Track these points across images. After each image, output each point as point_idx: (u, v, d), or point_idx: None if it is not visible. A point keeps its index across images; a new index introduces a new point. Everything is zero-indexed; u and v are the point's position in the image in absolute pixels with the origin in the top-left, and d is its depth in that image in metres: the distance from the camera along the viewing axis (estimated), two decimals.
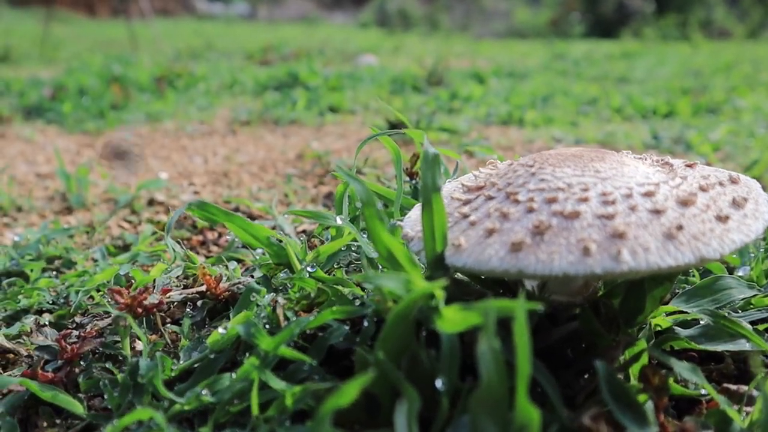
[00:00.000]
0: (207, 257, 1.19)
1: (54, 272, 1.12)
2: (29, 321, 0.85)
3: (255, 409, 0.60)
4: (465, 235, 0.61)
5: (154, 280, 0.83)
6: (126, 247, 1.28)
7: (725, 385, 0.65)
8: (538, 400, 0.57)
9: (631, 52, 7.17)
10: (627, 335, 0.63)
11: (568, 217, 0.58)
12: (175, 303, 0.79)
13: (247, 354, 0.67)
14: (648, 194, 0.60)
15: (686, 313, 0.74)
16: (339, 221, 0.72)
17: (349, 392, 0.45)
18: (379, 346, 0.54)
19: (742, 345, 0.67)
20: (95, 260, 1.18)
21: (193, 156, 2.31)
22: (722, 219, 0.58)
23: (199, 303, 0.87)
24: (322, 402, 0.46)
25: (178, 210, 0.69)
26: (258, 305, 0.72)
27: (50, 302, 0.96)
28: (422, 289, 0.53)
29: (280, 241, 0.79)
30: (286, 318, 0.69)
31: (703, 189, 0.63)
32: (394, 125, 2.51)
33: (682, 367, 0.61)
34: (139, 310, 0.70)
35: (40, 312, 0.95)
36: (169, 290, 0.74)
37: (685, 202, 0.59)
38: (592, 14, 12.83)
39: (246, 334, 0.63)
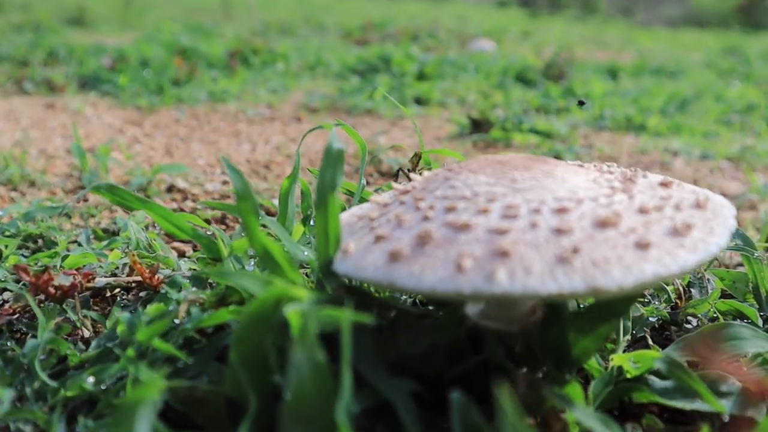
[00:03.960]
0: None
1: (30, 251, 1.26)
2: None
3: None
4: (357, 241, 0.67)
5: (85, 265, 0.94)
6: (118, 232, 1.40)
7: None
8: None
9: None
10: (529, 374, 0.66)
11: (458, 229, 0.62)
12: (100, 288, 0.89)
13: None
14: (560, 211, 0.63)
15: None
16: (265, 220, 0.79)
17: (152, 388, 0.52)
18: (232, 347, 0.61)
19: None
20: (79, 243, 1.31)
21: (242, 143, 2.46)
22: (643, 246, 0.60)
23: (143, 294, 0.97)
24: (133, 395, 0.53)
25: (81, 192, 0.78)
26: (173, 299, 0.80)
27: (13, 281, 1.09)
28: (276, 291, 0.59)
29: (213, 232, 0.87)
30: (189, 313, 0.76)
31: (643, 211, 0.65)
32: (478, 123, 2.55)
33: (592, 419, 0.63)
34: (52, 290, 0.80)
35: (3, 290, 1.08)
36: (90, 274, 0.84)
37: (603, 224, 0.62)
38: None
39: (128, 325, 0.72)
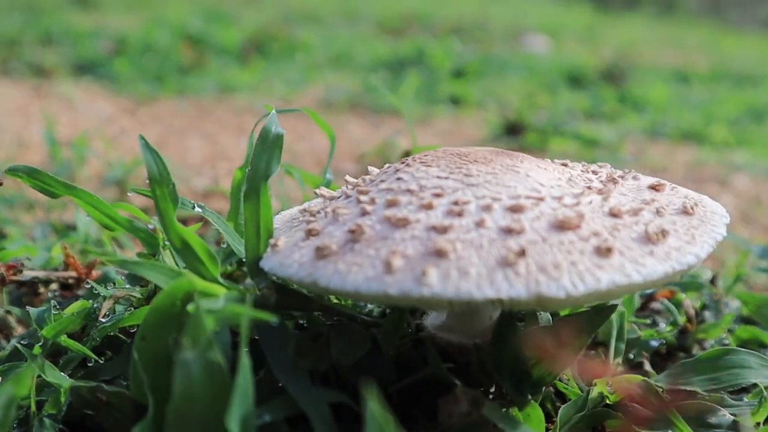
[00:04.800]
0: None
1: None
2: None
3: (32, 404, 0.69)
4: (289, 235, 0.67)
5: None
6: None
7: None
8: None
9: None
10: (473, 391, 0.66)
11: (394, 225, 0.62)
12: (29, 282, 0.91)
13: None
14: (514, 209, 0.62)
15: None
16: (197, 209, 0.80)
17: (23, 382, 0.53)
18: (135, 346, 0.61)
19: None
20: (33, 237, 1.34)
21: (243, 138, 2.48)
22: (604, 252, 0.59)
23: (80, 291, 0.99)
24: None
25: None
26: (100, 295, 0.82)
27: None
28: (183, 285, 0.60)
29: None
30: (113, 312, 0.78)
31: (614, 214, 0.64)
32: (514, 126, 2.55)
33: None
34: None
35: None
36: (15, 266, 0.86)
37: (561, 225, 0.61)
38: None
39: (36, 321, 0.73)
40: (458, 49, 4.23)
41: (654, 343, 0.88)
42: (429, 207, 0.64)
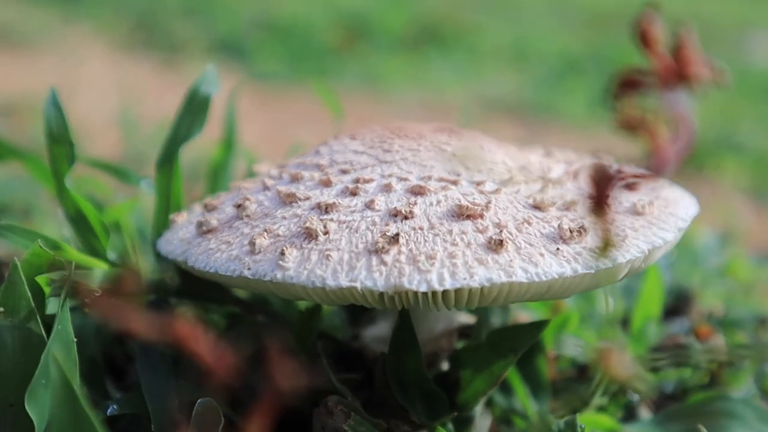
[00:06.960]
0: None
1: None
2: None
3: None
4: (191, 210, 0.71)
5: None
6: None
7: None
8: None
9: None
10: (346, 401, 0.66)
11: (281, 201, 0.65)
12: None
13: None
14: (416, 191, 0.64)
15: None
16: (143, 185, 0.84)
17: None
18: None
19: None
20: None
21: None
22: (494, 246, 0.59)
23: None
24: None
25: None
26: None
27: None
28: (40, 253, 0.63)
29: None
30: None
31: (536, 206, 0.64)
32: None
33: None
34: None
35: None
36: None
37: (460, 213, 0.62)
38: None
39: None
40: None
41: (667, 386, 0.87)
42: (327, 184, 0.66)
